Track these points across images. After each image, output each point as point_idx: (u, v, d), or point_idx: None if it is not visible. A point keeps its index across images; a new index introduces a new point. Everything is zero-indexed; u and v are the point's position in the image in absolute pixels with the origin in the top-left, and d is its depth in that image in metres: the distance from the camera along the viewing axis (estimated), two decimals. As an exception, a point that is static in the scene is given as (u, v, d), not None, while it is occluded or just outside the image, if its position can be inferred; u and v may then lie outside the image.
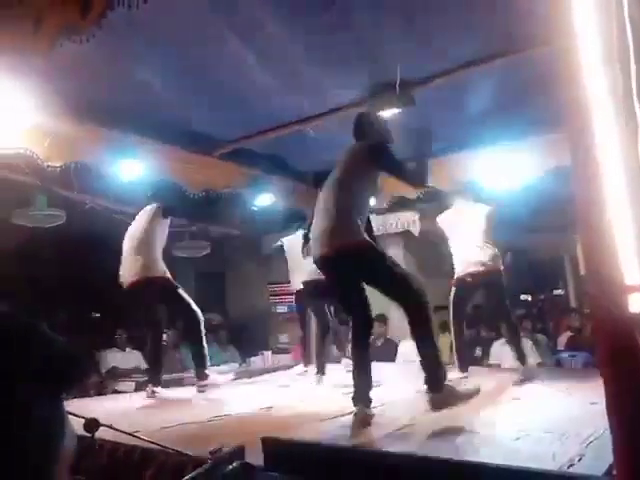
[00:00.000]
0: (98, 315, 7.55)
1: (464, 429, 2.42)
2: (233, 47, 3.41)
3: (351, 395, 2.80)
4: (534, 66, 3.12)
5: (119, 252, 4.12)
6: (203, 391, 3.87)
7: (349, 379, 2.88)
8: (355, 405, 2.76)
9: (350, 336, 2.98)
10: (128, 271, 4.01)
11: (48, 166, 3.86)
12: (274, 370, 5.55)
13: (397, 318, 6.31)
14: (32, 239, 5.45)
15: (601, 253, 1.49)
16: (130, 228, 4.22)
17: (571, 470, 1.74)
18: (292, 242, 4.97)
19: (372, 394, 2.79)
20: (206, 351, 4.00)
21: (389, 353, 5.96)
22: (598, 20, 1.54)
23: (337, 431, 2.58)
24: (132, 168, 4.32)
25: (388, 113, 3.94)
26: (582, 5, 1.55)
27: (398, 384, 3.92)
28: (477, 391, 2.83)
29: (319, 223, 2.96)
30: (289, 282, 6.97)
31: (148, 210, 4.23)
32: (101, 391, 4.72)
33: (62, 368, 0.68)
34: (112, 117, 4.02)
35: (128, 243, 4.14)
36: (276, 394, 3.92)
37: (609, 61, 1.50)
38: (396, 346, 6.07)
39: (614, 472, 1.50)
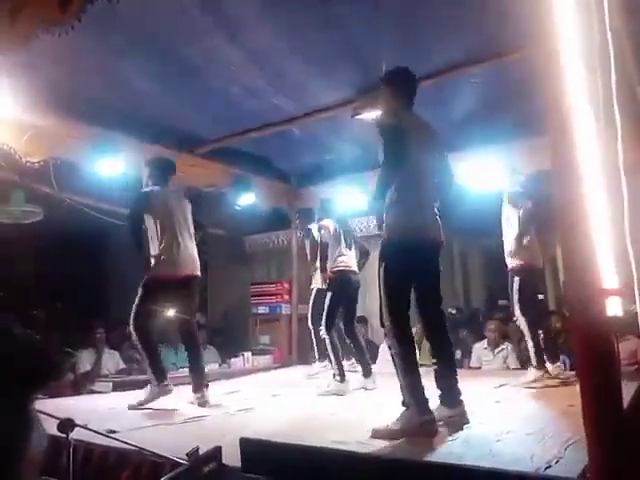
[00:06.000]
0: (76, 313, 7.40)
1: (446, 431, 2.41)
2: (218, 45, 3.38)
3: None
4: (516, 70, 3.15)
5: (98, 249, 3.98)
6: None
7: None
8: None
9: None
10: (192, 261, 3.68)
11: (27, 161, 3.79)
12: (256, 372, 5.51)
13: (378, 320, 6.32)
14: (8, 235, 5.34)
15: (580, 257, 1.50)
16: (172, 210, 3.67)
17: (548, 472, 1.75)
18: None
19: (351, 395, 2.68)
20: None
21: (370, 354, 5.96)
22: (580, 28, 1.56)
23: (317, 432, 2.56)
24: (113, 165, 4.26)
25: (372, 114, 3.94)
26: (565, 14, 1.57)
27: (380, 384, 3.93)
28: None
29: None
30: (272, 283, 6.96)
31: (185, 202, 3.85)
32: (77, 391, 4.61)
33: (28, 367, 0.66)
34: (94, 113, 3.95)
35: (184, 230, 3.67)
36: (256, 395, 3.88)
37: (590, 67, 1.52)
38: (377, 347, 6.08)
39: (588, 474, 1.51)
